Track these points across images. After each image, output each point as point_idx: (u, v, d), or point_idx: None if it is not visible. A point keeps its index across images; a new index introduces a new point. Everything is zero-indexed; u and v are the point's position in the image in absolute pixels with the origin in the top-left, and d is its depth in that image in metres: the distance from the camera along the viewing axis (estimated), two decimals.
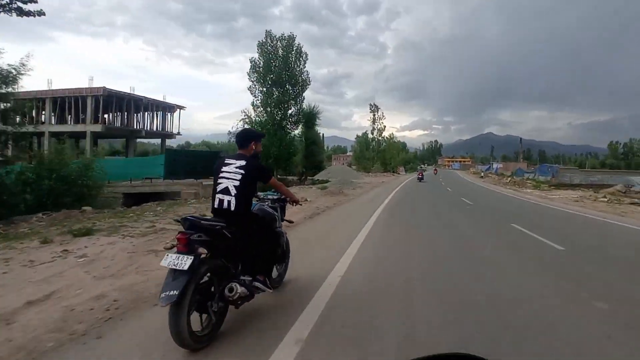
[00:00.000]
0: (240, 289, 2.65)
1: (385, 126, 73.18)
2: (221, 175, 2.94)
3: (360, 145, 77.43)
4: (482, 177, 50.33)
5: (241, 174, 2.90)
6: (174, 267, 2.33)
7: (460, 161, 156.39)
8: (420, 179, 32.83)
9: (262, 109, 29.65)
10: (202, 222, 2.62)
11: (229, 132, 28.45)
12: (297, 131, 34.06)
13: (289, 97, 29.99)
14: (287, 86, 29.84)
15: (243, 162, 2.96)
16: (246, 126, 27.84)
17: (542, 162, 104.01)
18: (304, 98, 31.09)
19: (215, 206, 2.92)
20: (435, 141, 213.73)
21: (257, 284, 2.98)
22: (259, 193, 3.75)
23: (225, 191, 2.88)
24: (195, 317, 2.46)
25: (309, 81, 30.95)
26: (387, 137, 75.36)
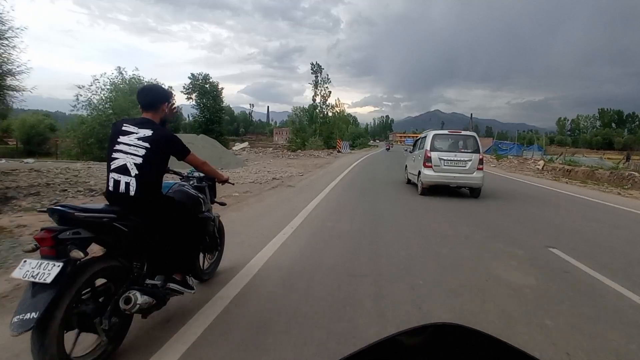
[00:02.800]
0: (141, 299, 2.04)
1: (330, 92, 52.33)
2: (117, 147, 2.19)
3: (300, 116, 56.49)
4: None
5: (145, 147, 2.18)
6: (32, 279, 1.68)
7: (412, 136, 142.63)
8: (389, 149, 46.27)
9: None
10: (77, 213, 1.88)
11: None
12: None
13: None
14: None
15: (149, 132, 2.22)
16: None
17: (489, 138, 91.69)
18: None
19: (110, 189, 2.18)
20: (387, 116, 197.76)
21: (172, 285, 2.40)
22: (185, 171, 3.21)
23: (123, 170, 2.16)
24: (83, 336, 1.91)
25: None
26: (334, 106, 54.46)
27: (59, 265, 1.70)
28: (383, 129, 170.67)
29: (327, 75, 52.11)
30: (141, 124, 2.25)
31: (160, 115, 2.39)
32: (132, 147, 2.16)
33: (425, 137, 9.15)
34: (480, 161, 8.53)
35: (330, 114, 53.50)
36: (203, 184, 3.07)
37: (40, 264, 1.71)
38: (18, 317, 1.62)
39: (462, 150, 8.68)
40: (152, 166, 2.19)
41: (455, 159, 8.51)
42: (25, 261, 1.74)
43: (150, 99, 2.36)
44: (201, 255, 3.04)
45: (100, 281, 2.01)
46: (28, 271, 1.69)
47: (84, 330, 1.91)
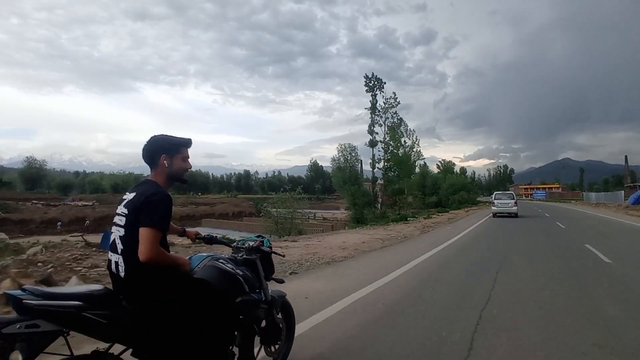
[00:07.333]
0: None
1: (400, 119, 36.54)
2: (114, 220, 1.85)
3: (350, 161, 37.45)
4: None
5: (124, 215, 1.77)
6: None
7: (544, 188, 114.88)
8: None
9: None
10: (27, 301, 1.38)
11: None
12: None
13: None
14: None
15: (132, 195, 1.80)
16: None
17: None
18: None
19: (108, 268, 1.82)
20: (505, 166, 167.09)
21: None
22: (235, 238, 2.80)
23: (113, 246, 1.78)
24: None
25: None
26: (397, 139, 35.64)
27: None
28: (501, 182, 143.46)
29: (394, 94, 35.91)
30: (134, 187, 1.86)
31: (162, 172, 1.87)
32: (118, 216, 1.80)
33: (493, 194, 23.74)
34: (515, 202, 21.69)
35: (399, 152, 35.45)
36: (254, 256, 2.37)
37: None
38: None
39: (507, 198, 22.18)
40: (136, 237, 1.69)
41: (504, 202, 21.83)
42: None
43: (147, 153, 1.86)
44: (258, 348, 2.36)
45: None
46: None
47: None
